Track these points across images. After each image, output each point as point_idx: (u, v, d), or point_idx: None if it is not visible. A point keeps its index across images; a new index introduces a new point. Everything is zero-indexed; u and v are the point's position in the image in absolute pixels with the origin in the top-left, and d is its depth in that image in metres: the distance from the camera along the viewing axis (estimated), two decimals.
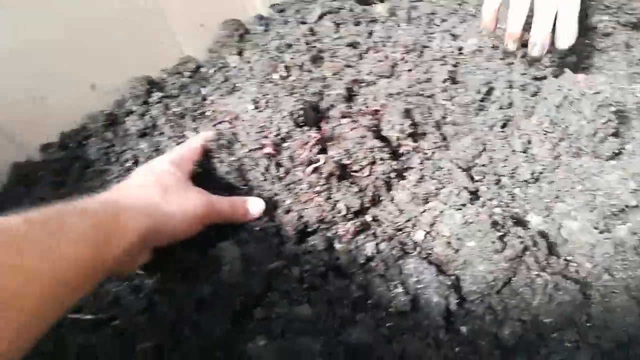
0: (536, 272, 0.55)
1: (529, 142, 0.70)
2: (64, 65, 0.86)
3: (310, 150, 0.62)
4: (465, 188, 0.63)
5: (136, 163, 0.83)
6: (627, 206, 0.61)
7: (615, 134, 0.68)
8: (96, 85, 0.93)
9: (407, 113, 0.72)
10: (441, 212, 0.61)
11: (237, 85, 0.89)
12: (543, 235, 0.61)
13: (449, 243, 0.59)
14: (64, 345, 0.55)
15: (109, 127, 0.90)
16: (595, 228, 0.61)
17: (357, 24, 0.97)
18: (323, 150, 0.64)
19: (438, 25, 0.91)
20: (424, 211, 0.62)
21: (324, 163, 0.62)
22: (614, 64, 0.75)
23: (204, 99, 0.92)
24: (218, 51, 1.03)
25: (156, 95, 0.92)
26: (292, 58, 0.90)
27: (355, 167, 0.64)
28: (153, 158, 0.82)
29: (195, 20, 1.03)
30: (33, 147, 0.87)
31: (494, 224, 0.57)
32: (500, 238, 0.55)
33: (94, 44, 0.89)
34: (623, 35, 0.80)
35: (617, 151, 0.67)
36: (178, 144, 0.82)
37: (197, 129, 0.82)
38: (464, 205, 0.61)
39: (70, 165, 0.86)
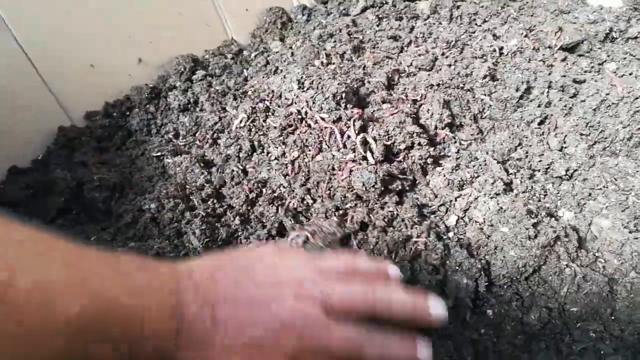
0: (566, 263, 0.57)
1: (565, 140, 0.71)
2: (113, 37, 0.90)
3: (353, 125, 0.64)
4: (500, 179, 0.64)
5: (176, 136, 0.86)
6: None
7: None
8: (142, 59, 0.96)
9: (446, 104, 0.74)
10: (475, 198, 0.62)
11: (279, 68, 0.92)
12: (574, 229, 0.63)
13: (481, 229, 0.61)
14: None
15: (152, 100, 0.93)
16: (626, 227, 0.62)
17: (399, 18, 1.00)
18: (364, 129, 0.66)
19: (479, 25, 0.93)
20: (458, 197, 0.64)
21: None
22: None
23: (246, 79, 0.94)
24: (261, 36, 1.07)
25: (200, 73, 0.96)
26: (333, 47, 0.92)
27: (394, 150, 0.66)
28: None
29: (242, 5, 1.06)
30: (78, 114, 0.91)
31: (529, 212, 0.58)
32: (534, 225, 0.57)
33: (143, 20, 0.93)
34: None
35: None
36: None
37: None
38: (498, 194, 0.62)
39: (113, 134, 0.89)
